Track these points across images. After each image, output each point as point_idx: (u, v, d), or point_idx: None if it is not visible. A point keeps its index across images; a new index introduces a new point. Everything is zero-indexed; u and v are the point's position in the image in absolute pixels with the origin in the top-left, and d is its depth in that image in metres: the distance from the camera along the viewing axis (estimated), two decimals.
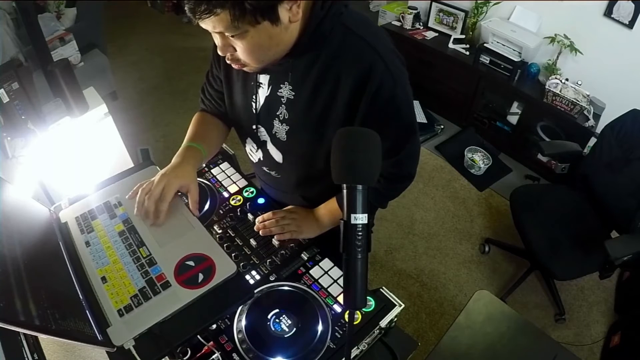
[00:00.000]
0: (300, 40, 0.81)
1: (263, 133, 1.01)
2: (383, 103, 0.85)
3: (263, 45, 0.77)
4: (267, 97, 0.95)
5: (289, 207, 1.12)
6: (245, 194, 1.14)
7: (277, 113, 0.95)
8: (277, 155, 1.03)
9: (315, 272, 0.96)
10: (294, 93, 0.90)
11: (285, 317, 0.87)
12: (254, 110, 0.98)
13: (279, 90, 0.92)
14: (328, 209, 1.08)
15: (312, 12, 0.79)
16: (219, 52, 0.82)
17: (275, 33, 0.76)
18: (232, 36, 0.75)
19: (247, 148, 1.12)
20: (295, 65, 0.87)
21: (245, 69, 0.86)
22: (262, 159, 1.09)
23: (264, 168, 1.11)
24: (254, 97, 0.97)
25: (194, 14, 0.69)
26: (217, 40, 0.79)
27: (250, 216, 1.08)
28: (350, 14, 0.84)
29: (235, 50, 0.79)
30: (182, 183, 0.93)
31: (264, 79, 0.94)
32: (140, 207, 0.91)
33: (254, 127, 1.02)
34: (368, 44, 0.82)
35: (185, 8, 0.70)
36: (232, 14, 0.69)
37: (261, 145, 1.05)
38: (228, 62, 0.84)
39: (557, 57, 2.53)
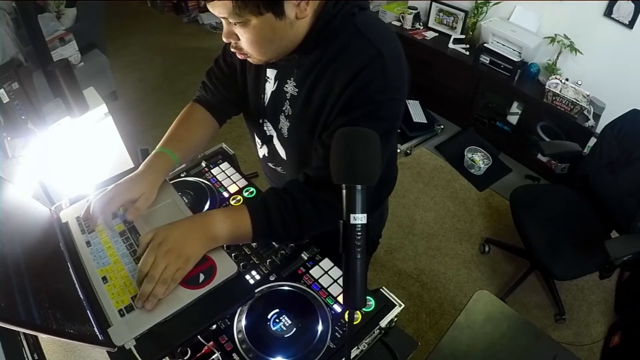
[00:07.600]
0: (308, 37, 0.81)
1: (270, 128, 1.01)
2: (362, 100, 0.79)
3: (265, 38, 0.77)
4: (273, 92, 0.94)
5: (147, 239, 0.79)
6: (245, 194, 1.14)
7: (283, 109, 0.94)
8: (282, 152, 1.03)
9: (315, 272, 0.96)
10: (297, 90, 0.89)
11: (285, 317, 0.87)
12: (261, 104, 0.98)
13: (285, 86, 0.91)
14: (229, 215, 0.84)
15: (324, 10, 0.78)
16: (223, 38, 0.81)
17: (279, 27, 0.75)
18: (236, 24, 0.75)
19: (256, 141, 1.11)
20: (301, 63, 0.86)
21: (249, 59, 0.85)
22: (267, 154, 1.08)
23: (270, 164, 1.11)
24: (263, 90, 0.97)
25: None
26: (224, 25, 0.79)
27: None
28: (365, 17, 0.82)
29: (239, 39, 0.79)
30: (130, 197, 0.87)
31: (270, 73, 0.93)
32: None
33: (261, 121, 1.01)
34: (373, 44, 0.79)
35: None
36: (233, 1, 0.69)
37: (267, 140, 1.05)
38: (232, 50, 0.84)
39: (557, 57, 2.53)
